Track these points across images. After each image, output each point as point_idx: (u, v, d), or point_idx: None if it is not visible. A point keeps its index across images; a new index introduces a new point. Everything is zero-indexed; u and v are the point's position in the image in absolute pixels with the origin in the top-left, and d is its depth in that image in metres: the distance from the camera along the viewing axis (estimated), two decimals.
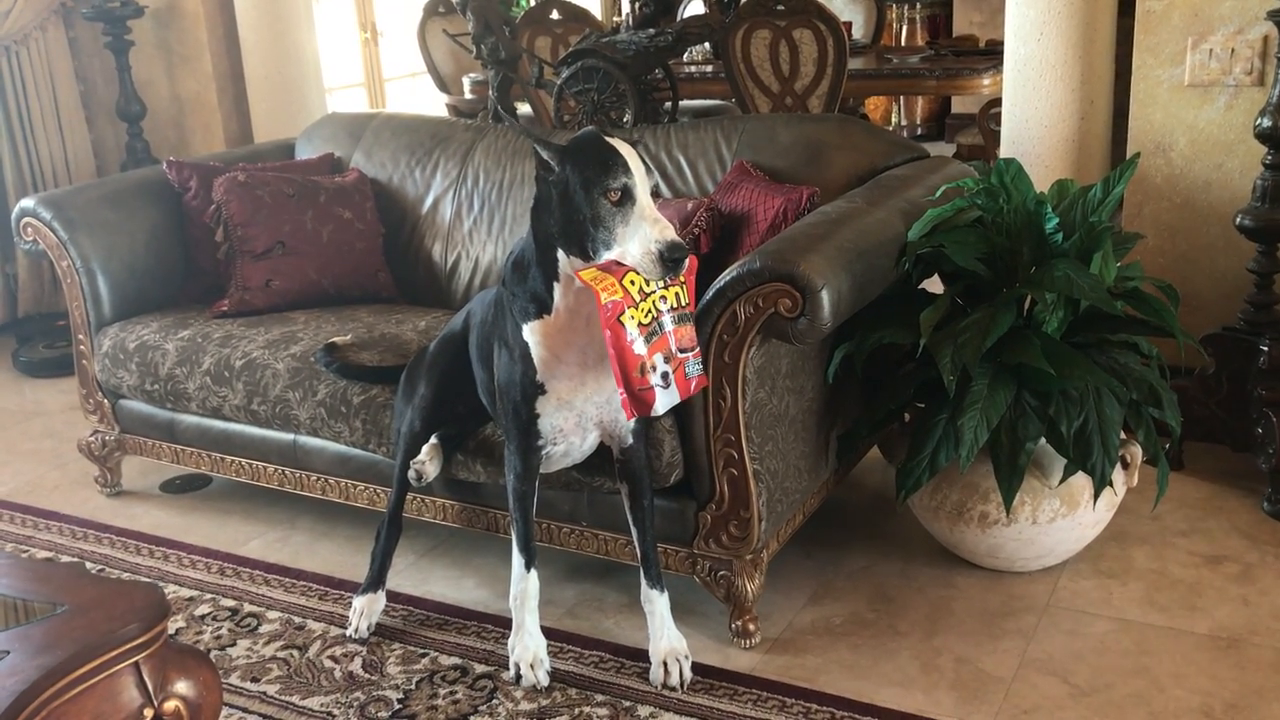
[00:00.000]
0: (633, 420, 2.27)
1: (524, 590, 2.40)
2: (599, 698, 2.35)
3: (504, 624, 2.55)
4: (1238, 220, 2.92)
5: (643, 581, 2.40)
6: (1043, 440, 2.47)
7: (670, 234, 2.02)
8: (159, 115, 4.93)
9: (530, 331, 2.23)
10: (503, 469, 2.44)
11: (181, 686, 1.76)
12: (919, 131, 8.40)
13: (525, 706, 2.33)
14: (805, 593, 2.70)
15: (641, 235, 2.02)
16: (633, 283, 2.04)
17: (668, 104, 4.81)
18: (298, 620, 2.69)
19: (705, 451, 2.39)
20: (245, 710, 2.38)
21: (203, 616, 2.73)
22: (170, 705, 1.74)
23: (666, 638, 2.39)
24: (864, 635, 2.53)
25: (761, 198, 2.72)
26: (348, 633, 2.60)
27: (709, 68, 6.06)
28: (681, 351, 2.12)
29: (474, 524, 2.76)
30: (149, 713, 1.72)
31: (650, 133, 3.21)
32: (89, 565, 3.00)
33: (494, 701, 2.35)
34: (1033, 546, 2.60)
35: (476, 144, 3.47)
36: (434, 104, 7.02)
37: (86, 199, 3.31)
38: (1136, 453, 2.64)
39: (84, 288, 3.23)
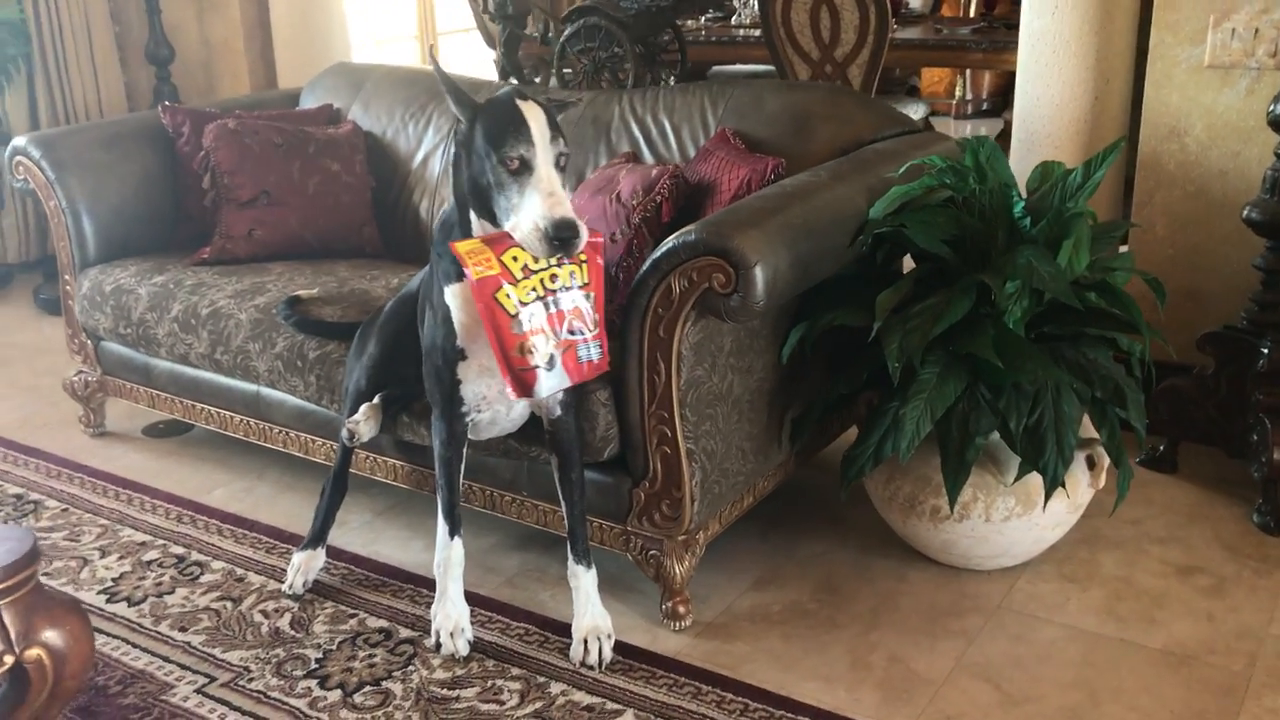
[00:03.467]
0: (560, 392, 2.21)
1: (447, 558, 2.36)
2: (515, 671, 2.30)
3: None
4: (1245, 213, 2.74)
5: (569, 556, 2.34)
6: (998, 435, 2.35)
7: (560, 211, 1.93)
8: (188, 60, 4.96)
9: (452, 294, 2.18)
10: None
11: (49, 635, 1.74)
12: (984, 106, 8.14)
13: (440, 675, 2.30)
14: (750, 576, 2.62)
15: (531, 209, 1.95)
16: (515, 258, 1.96)
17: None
18: (239, 572, 2.69)
19: (640, 427, 2.32)
20: (165, 660, 2.38)
21: (149, 562, 2.74)
22: (33, 653, 1.73)
23: (590, 615, 2.34)
24: (800, 625, 2.44)
25: (728, 167, 2.62)
26: (283, 588, 2.58)
27: (756, 32, 5.92)
28: (573, 334, 2.04)
29: (422, 486, 2.72)
30: (9, 659, 1.71)
31: (639, 95, 3.12)
32: (54, 504, 3.03)
33: (410, 667, 2.32)
34: (986, 545, 2.49)
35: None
36: (484, 61, 6.97)
37: (79, 140, 3.33)
38: (1104, 453, 2.50)
39: (69, 228, 3.25)
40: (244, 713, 2.21)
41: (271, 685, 2.28)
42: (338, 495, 2.63)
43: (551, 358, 2.01)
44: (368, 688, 2.27)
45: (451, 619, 2.36)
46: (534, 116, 1.99)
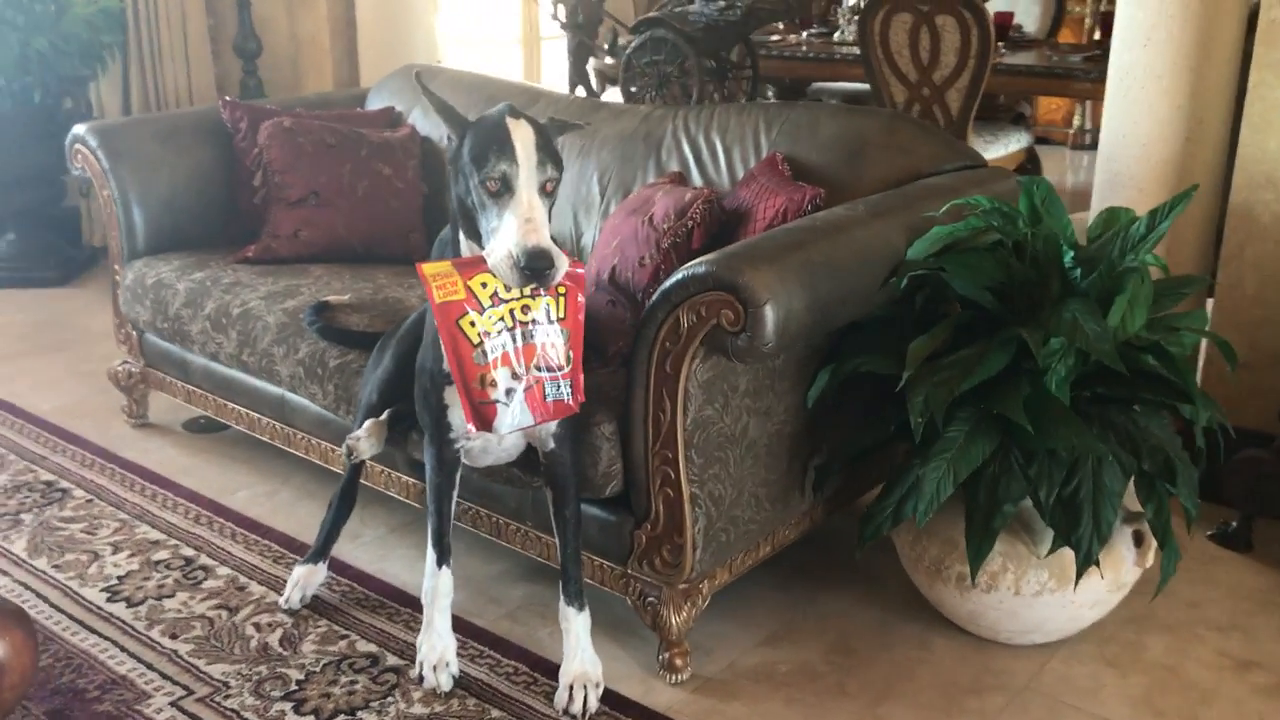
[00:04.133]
0: (553, 424, 2.09)
1: (435, 587, 2.26)
2: (494, 713, 2.19)
3: None
4: None
5: (561, 596, 2.22)
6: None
7: (534, 240, 1.81)
8: (277, 54, 4.99)
9: None
10: None
11: None
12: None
13: (417, 709, 2.20)
14: (763, 631, 2.46)
15: (506, 234, 1.84)
16: (485, 285, 1.85)
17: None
18: (242, 580, 2.63)
19: (643, 467, 2.19)
20: (149, 667, 2.33)
21: (157, 562, 2.71)
22: None
23: (580, 660, 2.21)
24: (806, 689, 2.28)
25: (766, 195, 2.47)
26: (280, 602, 2.52)
27: (857, 50, 5.73)
28: (540, 370, 1.92)
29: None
30: None
31: (694, 113, 2.99)
32: (80, 494, 3.03)
33: (389, 699, 2.23)
34: (1016, 619, 2.29)
35: (529, 108, 3.30)
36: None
37: (137, 131, 3.33)
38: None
39: (120, 218, 3.25)
40: None
41: (246, 704, 2.21)
42: (344, 510, 2.56)
43: (511, 392, 1.90)
44: (341, 717, 2.18)
45: (436, 651, 2.26)
46: (521, 137, 1.88)
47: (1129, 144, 2.97)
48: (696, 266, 2.03)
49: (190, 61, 5.00)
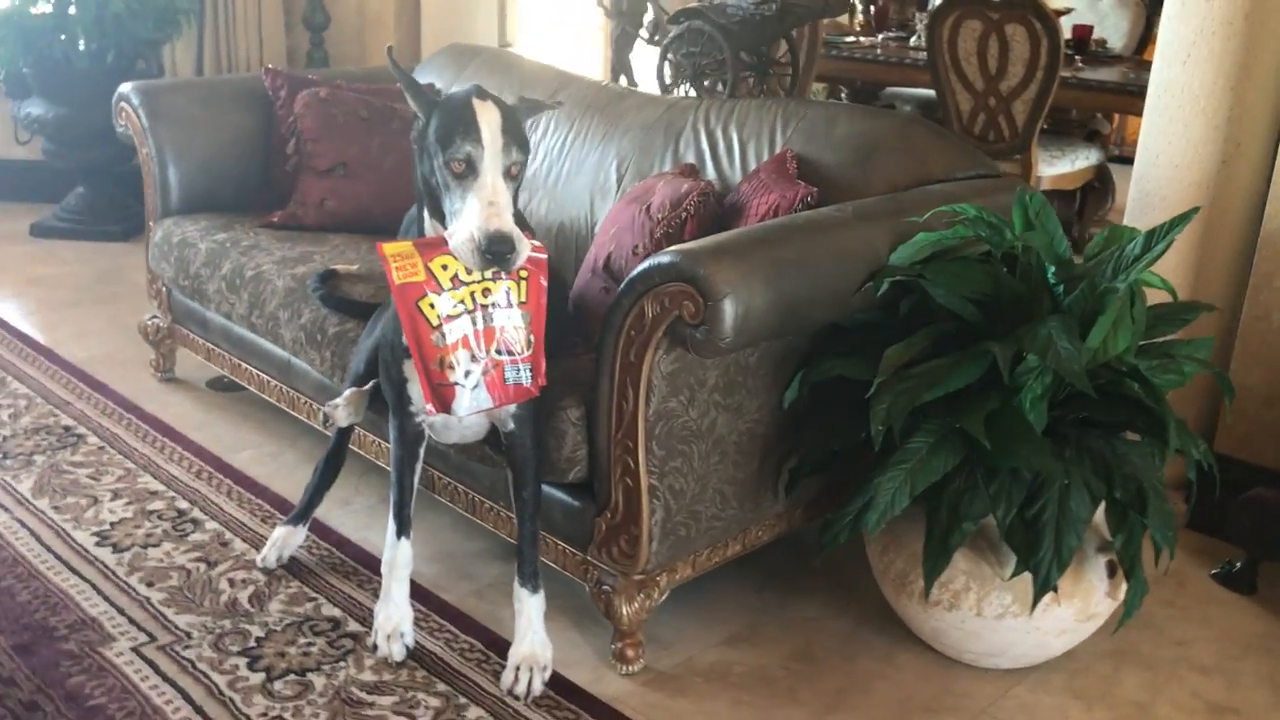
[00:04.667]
0: (513, 405, 2.09)
1: (394, 558, 2.28)
2: (440, 687, 2.20)
3: (414, 591, 2.45)
4: None
5: (515, 578, 2.23)
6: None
7: (496, 224, 1.81)
8: (344, 28, 5.07)
9: None
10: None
11: None
12: None
13: (366, 676, 2.22)
14: (726, 630, 2.44)
15: (469, 217, 1.84)
16: (445, 267, 1.86)
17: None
18: (227, 536, 2.69)
19: (605, 454, 2.18)
20: (120, 612, 2.39)
21: (151, 512, 2.78)
22: None
23: (530, 642, 2.22)
24: (757, 693, 2.25)
25: (762, 191, 2.44)
26: (256, 560, 2.57)
27: (925, 54, 5.62)
28: (501, 353, 1.92)
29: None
30: None
31: (715, 106, 2.96)
32: (94, 441, 3.12)
33: (340, 663, 2.26)
34: (978, 640, 2.23)
35: (557, 94, 3.32)
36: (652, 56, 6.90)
37: (180, 94, 3.42)
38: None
39: (155, 176, 3.34)
40: (165, 678, 2.19)
41: (203, 656, 2.26)
42: (329, 475, 2.59)
43: (470, 374, 1.90)
44: (291, 676, 2.21)
45: (391, 621, 2.28)
46: (487, 118, 1.87)
47: (1162, 164, 2.86)
48: (662, 256, 2.02)
49: (264, 31, 5.11)
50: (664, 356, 2.08)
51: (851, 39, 5.98)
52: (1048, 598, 2.06)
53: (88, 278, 4.50)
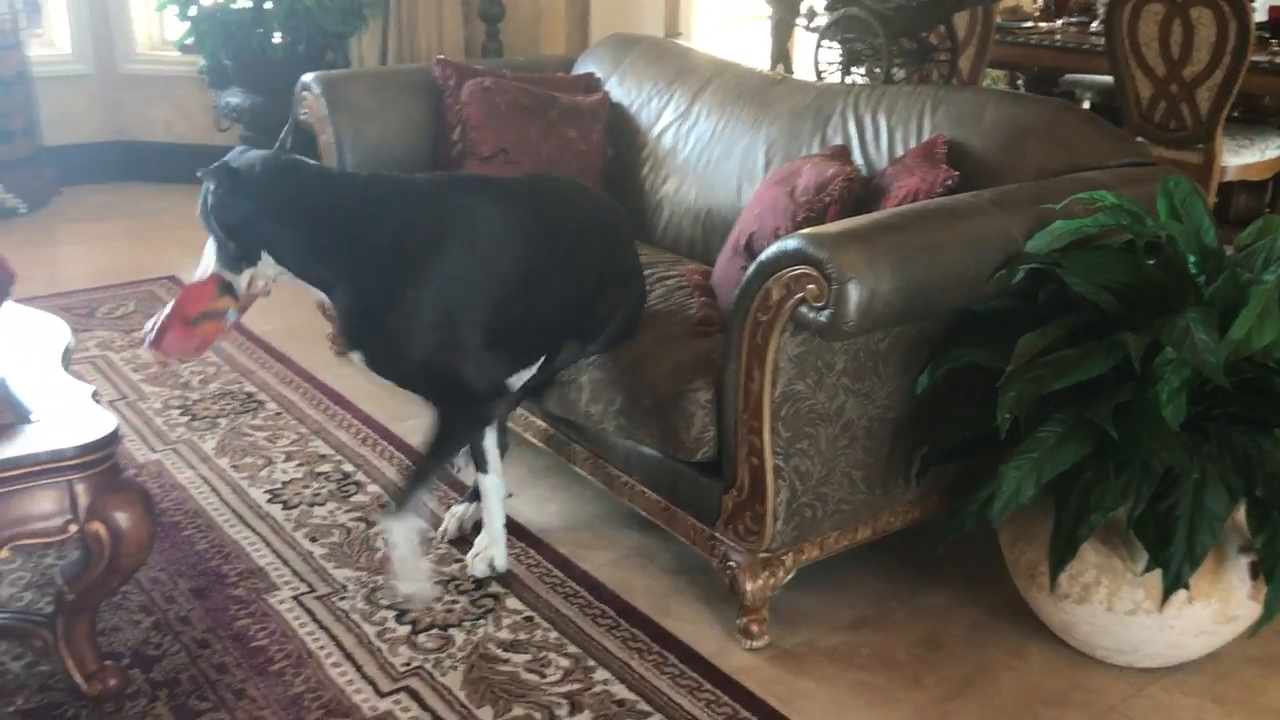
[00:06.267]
0: None
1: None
2: (570, 649, 2.30)
3: (554, 558, 2.61)
4: None
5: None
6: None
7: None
8: (519, 19, 5.24)
9: None
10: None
11: (112, 514, 1.95)
12: None
13: (503, 634, 2.35)
14: (854, 613, 2.46)
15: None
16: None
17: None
18: (386, 499, 2.86)
19: (733, 434, 2.24)
20: (285, 563, 2.58)
21: (319, 474, 2.98)
22: (95, 527, 1.94)
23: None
24: (881, 675, 2.27)
25: (903, 175, 2.45)
26: (436, 534, 2.69)
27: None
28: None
29: (560, 451, 2.78)
30: (73, 528, 1.93)
31: (866, 92, 2.97)
32: (273, 407, 3.36)
33: (481, 621, 2.39)
34: (1109, 636, 2.19)
35: (711, 82, 3.39)
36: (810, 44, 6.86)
37: (355, 84, 3.62)
38: None
39: (335, 161, 3.55)
40: (321, 626, 2.37)
41: (356, 608, 2.43)
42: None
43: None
44: (435, 630, 2.36)
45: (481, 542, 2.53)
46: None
47: None
48: (789, 241, 2.06)
49: (443, 23, 5.34)
50: (790, 339, 2.13)
51: (1029, 24, 5.83)
52: (1181, 596, 2.02)
53: None
